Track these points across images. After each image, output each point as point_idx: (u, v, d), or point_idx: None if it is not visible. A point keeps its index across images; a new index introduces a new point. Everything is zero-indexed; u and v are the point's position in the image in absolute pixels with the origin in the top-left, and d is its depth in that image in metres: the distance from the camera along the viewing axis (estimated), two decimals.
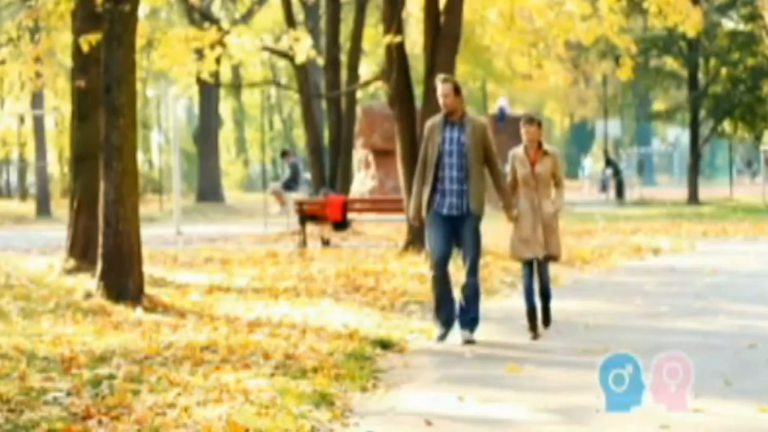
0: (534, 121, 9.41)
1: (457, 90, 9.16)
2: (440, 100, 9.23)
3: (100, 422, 6.25)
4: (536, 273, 9.58)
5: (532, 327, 9.50)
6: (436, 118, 9.32)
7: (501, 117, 32.93)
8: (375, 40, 37.87)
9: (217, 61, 22.53)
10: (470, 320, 9.23)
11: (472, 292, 9.22)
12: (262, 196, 32.14)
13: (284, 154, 28.70)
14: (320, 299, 11.69)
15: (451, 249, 9.23)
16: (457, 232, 9.16)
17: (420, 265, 14.06)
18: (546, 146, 9.47)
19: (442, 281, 9.24)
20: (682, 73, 38.01)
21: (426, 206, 9.16)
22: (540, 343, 9.25)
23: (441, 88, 9.21)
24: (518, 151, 9.46)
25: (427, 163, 9.20)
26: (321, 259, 16.33)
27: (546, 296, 9.76)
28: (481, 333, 9.33)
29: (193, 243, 21.37)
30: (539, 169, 9.39)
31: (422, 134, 9.37)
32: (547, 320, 9.79)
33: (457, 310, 9.33)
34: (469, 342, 9.09)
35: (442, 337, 9.25)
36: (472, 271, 9.18)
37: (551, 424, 6.45)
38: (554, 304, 11.40)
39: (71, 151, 14.96)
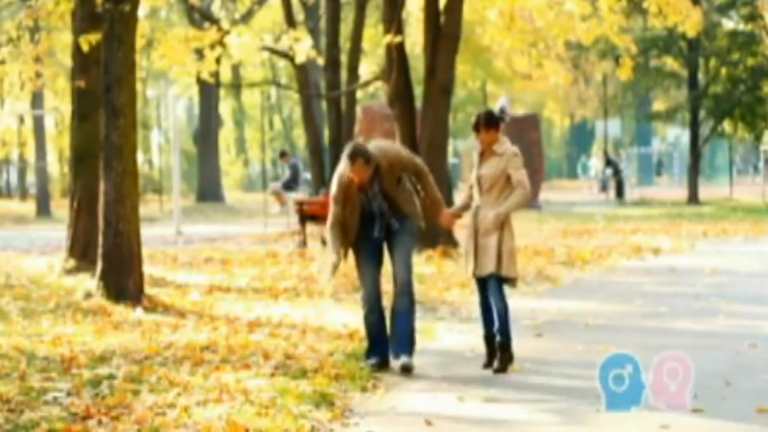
0: (480, 123, 7.85)
1: (368, 161, 7.83)
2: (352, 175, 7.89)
3: (100, 422, 6.25)
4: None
5: (487, 354, 8.00)
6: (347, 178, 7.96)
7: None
8: (375, 40, 37.87)
9: (217, 61, 22.55)
10: (411, 341, 8.02)
11: (409, 305, 8.06)
12: (262, 196, 32.13)
13: (282, 155, 28.70)
14: (320, 299, 11.68)
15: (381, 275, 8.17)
16: (390, 244, 8.09)
17: (420, 266, 14.06)
18: (500, 145, 7.87)
19: (380, 315, 8.15)
20: (682, 73, 38.00)
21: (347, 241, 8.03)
22: (540, 343, 9.25)
23: (353, 168, 7.82)
24: (477, 147, 8.11)
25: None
26: (321, 259, 16.31)
27: (500, 326, 7.91)
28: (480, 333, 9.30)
29: (193, 243, 21.37)
30: (484, 171, 7.85)
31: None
32: (502, 362, 7.89)
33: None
34: (408, 369, 7.90)
35: (385, 365, 8.06)
36: (410, 282, 8.10)
37: (551, 424, 6.45)
38: (554, 304, 11.37)
39: (71, 151, 14.96)
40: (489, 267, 7.80)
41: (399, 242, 8.05)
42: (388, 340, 8.11)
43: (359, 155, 7.80)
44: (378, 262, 8.12)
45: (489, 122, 7.87)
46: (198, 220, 32.43)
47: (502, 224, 7.80)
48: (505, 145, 7.88)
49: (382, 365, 8.00)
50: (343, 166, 7.98)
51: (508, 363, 7.91)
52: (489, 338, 8.02)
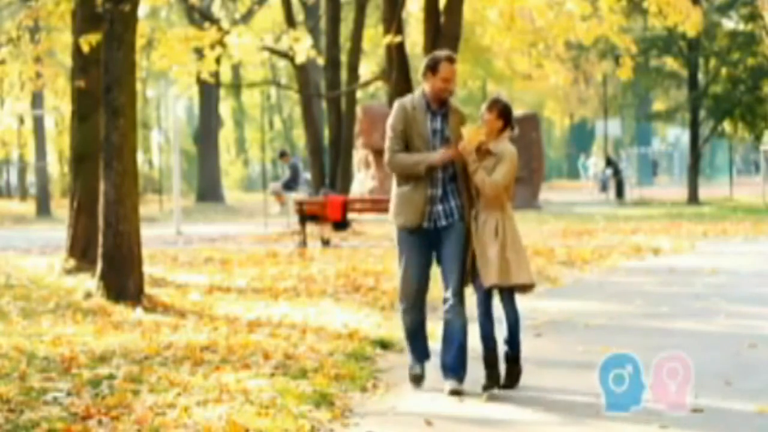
0: (495, 106, 7.25)
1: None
2: (437, 84, 7.21)
3: (100, 422, 6.25)
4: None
5: (487, 375, 7.23)
6: (416, 101, 7.27)
7: None
8: (375, 40, 37.88)
9: (217, 61, 22.58)
10: (461, 362, 7.25)
11: (462, 322, 7.27)
12: (262, 196, 32.14)
13: (282, 155, 28.73)
14: (320, 299, 11.68)
15: (429, 273, 7.41)
16: (440, 244, 7.27)
17: None
18: (498, 144, 7.22)
19: (420, 313, 7.47)
20: (682, 73, 38.03)
21: (410, 216, 7.21)
22: (540, 343, 9.24)
23: (447, 69, 7.17)
24: None
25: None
26: (321, 259, 16.32)
27: (510, 337, 7.26)
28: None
29: (193, 243, 21.36)
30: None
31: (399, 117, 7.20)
32: (510, 376, 7.25)
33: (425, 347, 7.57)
34: (456, 393, 7.13)
35: (421, 379, 7.49)
36: (461, 291, 7.30)
37: (551, 424, 6.45)
38: (554, 304, 11.36)
39: (71, 151, 14.97)
40: (492, 278, 7.10)
41: (453, 250, 7.22)
42: (426, 344, 7.54)
43: (455, 60, 7.27)
44: (424, 256, 7.29)
45: (505, 113, 7.23)
46: (198, 220, 32.43)
47: (503, 229, 7.14)
48: (502, 144, 7.22)
49: (422, 378, 7.47)
50: (404, 98, 7.40)
51: (518, 377, 7.27)
52: (490, 357, 7.22)
